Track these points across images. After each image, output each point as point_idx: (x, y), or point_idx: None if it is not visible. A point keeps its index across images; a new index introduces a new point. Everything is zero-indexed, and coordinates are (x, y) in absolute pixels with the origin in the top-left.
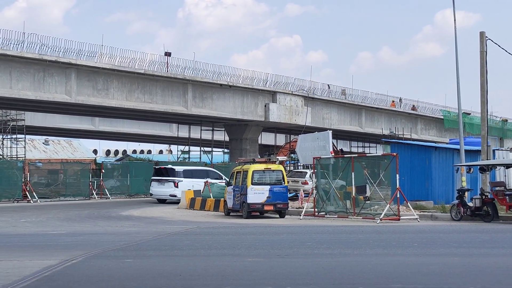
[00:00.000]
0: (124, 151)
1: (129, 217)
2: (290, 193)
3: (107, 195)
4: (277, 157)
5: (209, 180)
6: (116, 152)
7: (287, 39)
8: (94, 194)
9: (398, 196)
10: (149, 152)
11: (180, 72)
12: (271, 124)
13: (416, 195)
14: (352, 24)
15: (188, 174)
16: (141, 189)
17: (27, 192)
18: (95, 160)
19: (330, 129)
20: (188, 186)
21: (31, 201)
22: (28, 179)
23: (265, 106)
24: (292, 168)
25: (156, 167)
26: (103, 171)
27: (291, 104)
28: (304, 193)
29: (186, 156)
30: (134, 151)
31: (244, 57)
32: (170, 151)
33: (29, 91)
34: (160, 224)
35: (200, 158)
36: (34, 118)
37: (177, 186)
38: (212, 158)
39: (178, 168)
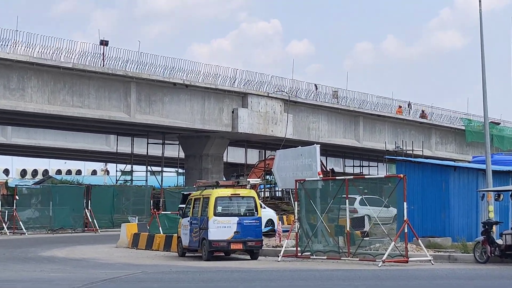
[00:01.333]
0: (45, 172)
1: (52, 258)
2: (266, 226)
3: (22, 229)
4: (248, 179)
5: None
6: (35, 172)
7: (262, 24)
8: (5, 228)
9: (406, 230)
10: (79, 172)
11: (121, 66)
12: (240, 136)
13: (429, 229)
14: (348, 6)
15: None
16: (67, 222)
17: None
18: (6, 183)
19: (317, 143)
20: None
21: None
22: None
23: (232, 112)
24: (267, 194)
25: (185, 193)
26: (17, 197)
27: (266, 109)
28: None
29: (128, 178)
30: (59, 172)
31: (205, 47)
32: (107, 172)
33: None
34: (93, 268)
35: (147, 180)
36: None
37: None
38: (162, 180)
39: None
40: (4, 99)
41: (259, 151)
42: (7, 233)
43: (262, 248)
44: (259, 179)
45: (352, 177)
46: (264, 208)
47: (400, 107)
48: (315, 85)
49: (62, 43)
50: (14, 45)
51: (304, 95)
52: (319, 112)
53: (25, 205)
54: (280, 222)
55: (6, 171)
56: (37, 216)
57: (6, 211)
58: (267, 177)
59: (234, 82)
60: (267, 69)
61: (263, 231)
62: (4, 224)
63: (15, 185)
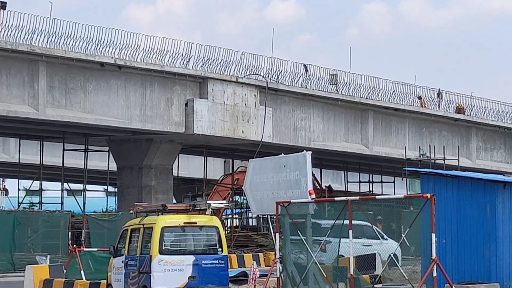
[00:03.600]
0: None
1: None
2: (234, 269)
3: None
4: (208, 201)
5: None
6: None
7: None
8: None
9: (434, 274)
10: None
11: (26, 39)
12: (197, 139)
13: (467, 272)
14: None
15: (336, 232)
16: None
17: None
18: None
19: (308, 149)
20: (337, 250)
21: None
22: None
23: (186, 105)
24: (237, 222)
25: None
26: None
27: (235, 101)
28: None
29: (36, 199)
30: None
31: (147, 11)
32: (4, 191)
33: None
34: None
35: (63, 203)
36: None
37: (324, 250)
38: (85, 203)
39: (324, 223)
40: None
41: (225, 161)
42: None
43: None
44: (224, 201)
45: (357, 197)
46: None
47: (419, 97)
48: (305, 65)
49: None
50: None
51: (289, 80)
52: (310, 105)
53: None
54: (254, 262)
55: None
56: None
57: None
58: (236, 198)
59: (189, 61)
60: (236, 42)
61: (230, 275)
62: None
63: None
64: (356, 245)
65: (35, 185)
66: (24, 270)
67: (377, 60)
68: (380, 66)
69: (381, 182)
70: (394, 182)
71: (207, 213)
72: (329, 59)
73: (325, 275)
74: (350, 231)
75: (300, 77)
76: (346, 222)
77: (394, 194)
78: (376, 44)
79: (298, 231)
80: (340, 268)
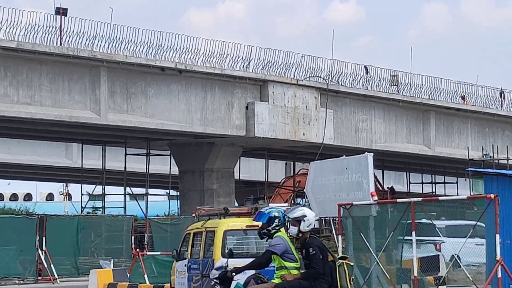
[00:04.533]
0: None
1: None
2: None
3: None
4: (270, 204)
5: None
6: None
7: None
8: None
9: (499, 275)
10: (28, 197)
11: (87, 45)
12: (258, 142)
13: None
14: None
15: (451, 231)
16: (13, 269)
17: None
18: None
19: (370, 151)
20: (453, 249)
21: None
22: None
23: (246, 108)
24: None
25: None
26: None
27: (295, 103)
28: None
29: (99, 204)
30: (0, 197)
31: (208, 15)
32: (68, 196)
33: None
34: None
35: (125, 207)
36: None
37: (439, 249)
38: (147, 207)
39: (439, 223)
40: None
41: (286, 164)
42: None
43: None
44: (286, 204)
45: (420, 198)
46: None
47: (463, 98)
48: (365, 67)
49: (2, 12)
50: None
51: (350, 81)
52: (371, 106)
53: None
54: None
55: None
56: None
57: None
58: (298, 200)
59: (249, 64)
60: (296, 45)
61: None
62: None
63: None
64: (470, 244)
65: (98, 189)
66: (88, 274)
67: (438, 61)
68: (441, 66)
69: (444, 182)
70: (457, 182)
71: None
72: (390, 60)
73: (388, 277)
74: (413, 232)
75: (360, 78)
76: (457, 222)
77: (457, 195)
78: (436, 44)
79: (361, 233)
80: (403, 270)
